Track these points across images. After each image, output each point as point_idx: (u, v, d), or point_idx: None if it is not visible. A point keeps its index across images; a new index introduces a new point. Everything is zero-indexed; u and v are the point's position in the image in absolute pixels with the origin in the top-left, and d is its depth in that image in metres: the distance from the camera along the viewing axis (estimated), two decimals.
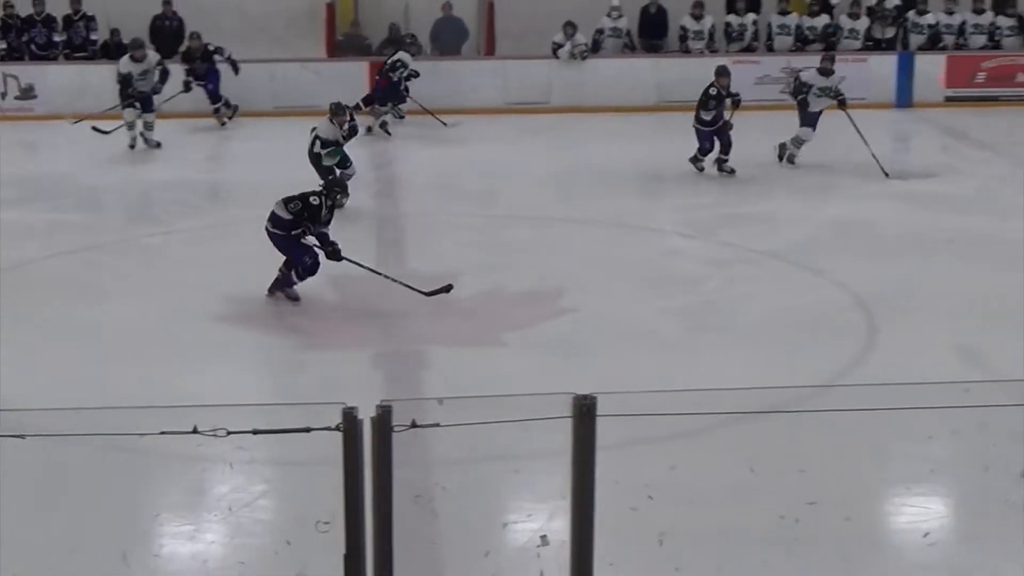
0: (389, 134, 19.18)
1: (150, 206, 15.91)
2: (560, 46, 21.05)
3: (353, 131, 14.63)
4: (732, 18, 21.92)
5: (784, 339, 10.69)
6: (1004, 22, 22.01)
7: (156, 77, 18.35)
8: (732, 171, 16.32)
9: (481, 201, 14.89)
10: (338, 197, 11.57)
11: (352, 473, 4.77)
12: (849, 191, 15.67)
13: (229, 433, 4.83)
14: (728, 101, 16.29)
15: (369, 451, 4.76)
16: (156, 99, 18.44)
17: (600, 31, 21.74)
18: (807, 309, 11.47)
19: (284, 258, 11.35)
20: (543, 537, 6.75)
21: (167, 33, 21.35)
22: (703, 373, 9.59)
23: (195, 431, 4.80)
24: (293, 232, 11.25)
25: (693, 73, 20.88)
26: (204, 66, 19.88)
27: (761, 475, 7.55)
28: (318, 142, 14.37)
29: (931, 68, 21.39)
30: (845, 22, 21.90)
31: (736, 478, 7.59)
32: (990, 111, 20.97)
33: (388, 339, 10.74)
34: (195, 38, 20.09)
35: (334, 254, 11.31)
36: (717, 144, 16.34)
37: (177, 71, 19.43)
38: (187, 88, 19.66)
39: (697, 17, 21.70)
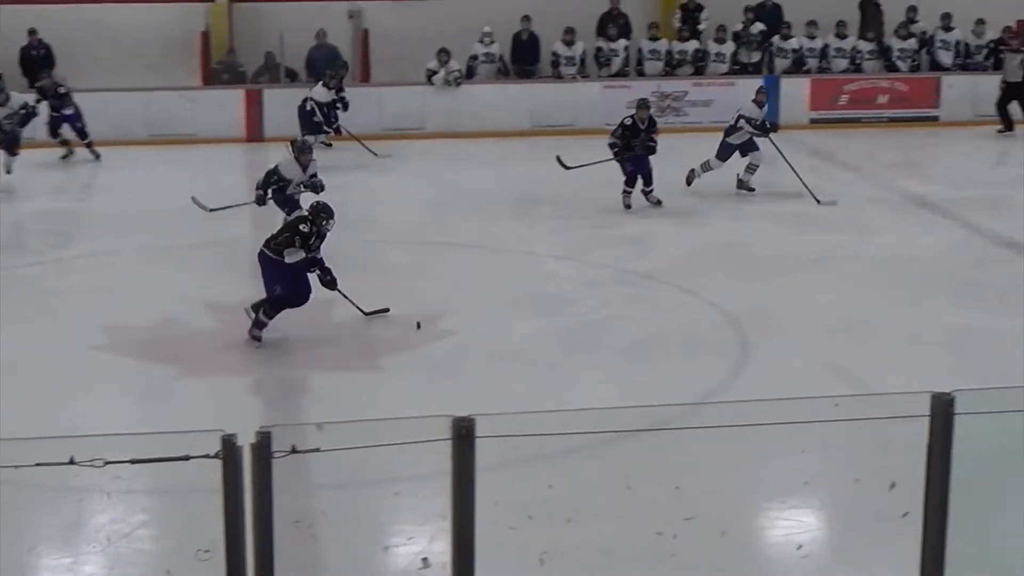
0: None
1: (22, 237, 15.69)
2: (434, 72, 21.13)
3: (317, 186, 13.52)
4: (603, 43, 22.14)
5: (658, 358, 10.85)
6: (865, 46, 22.48)
7: (17, 120, 17.97)
8: (659, 202, 16.02)
9: (358, 227, 14.88)
10: (324, 223, 11.11)
11: (232, 500, 4.77)
12: (720, 212, 15.92)
13: (107, 463, 4.79)
14: (641, 139, 15.82)
15: (249, 478, 4.77)
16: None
17: (474, 57, 21.86)
18: (680, 328, 11.64)
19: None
20: (424, 559, 6.79)
21: (37, 62, 21.05)
22: (580, 393, 9.71)
23: (72, 462, 4.76)
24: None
25: (565, 98, 21.18)
26: (61, 102, 19.43)
27: (638, 492, 7.64)
28: (275, 176, 13.52)
29: (796, 91, 21.78)
30: (712, 47, 22.24)
31: (614, 496, 7.67)
32: (852, 132, 21.39)
33: (266, 365, 10.72)
34: (46, 76, 19.71)
35: (331, 283, 11.18)
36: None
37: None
38: (53, 134, 19.33)
39: (568, 43, 21.89)
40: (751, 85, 21.32)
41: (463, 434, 4.83)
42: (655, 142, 15.82)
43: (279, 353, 10.92)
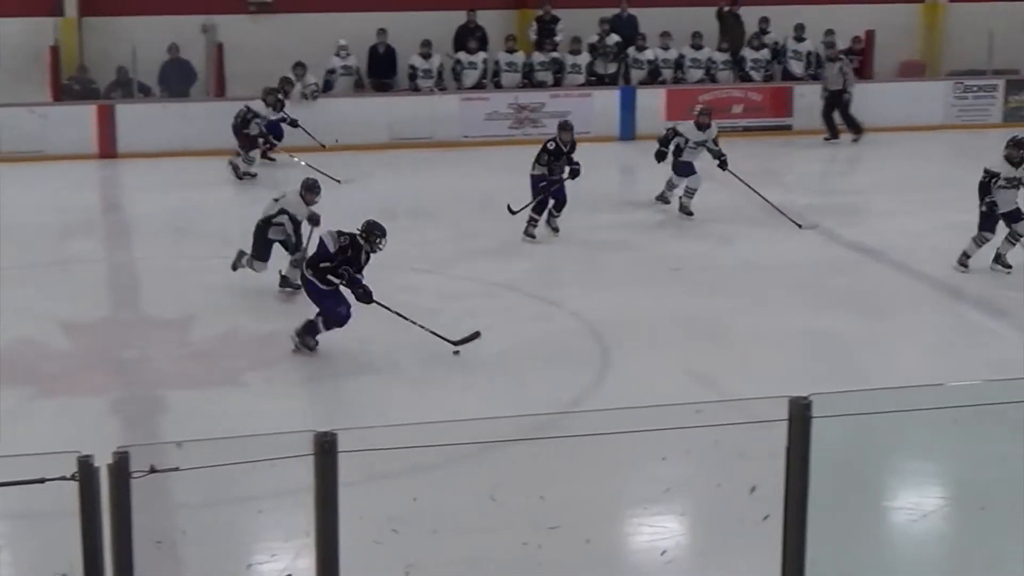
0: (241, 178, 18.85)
1: None
2: (289, 82, 20.95)
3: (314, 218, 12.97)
4: (462, 55, 22.16)
5: (522, 369, 10.88)
6: (719, 57, 22.77)
7: None
8: (556, 229, 15.42)
9: (218, 243, 14.71)
10: (377, 241, 11.18)
11: (89, 522, 4.70)
12: (581, 222, 15.97)
13: None
14: (562, 162, 15.20)
15: (107, 499, 4.69)
16: None
17: (331, 71, 21.73)
18: (543, 339, 11.69)
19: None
20: None
21: None
22: (443, 405, 9.70)
23: None
24: (328, 283, 11.00)
25: (423, 111, 21.15)
26: None
27: (503, 503, 7.65)
28: (285, 215, 12.85)
29: (652, 101, 21.96)
30: (568, 58, 22.37)
31: (478, 507, 7.67)
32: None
33: (124, 385, 10.56)
34: None
35: (365, 296, 11.05)
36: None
37: None
38: None
39: (425, 56, 21.85)
40: (607, 96, 21.60)
41: (325, 449, 4.81)
42: (579, 165, 15.22)
43: (136, 371, 10.77)
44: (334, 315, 11.08)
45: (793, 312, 12.53)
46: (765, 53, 22.76)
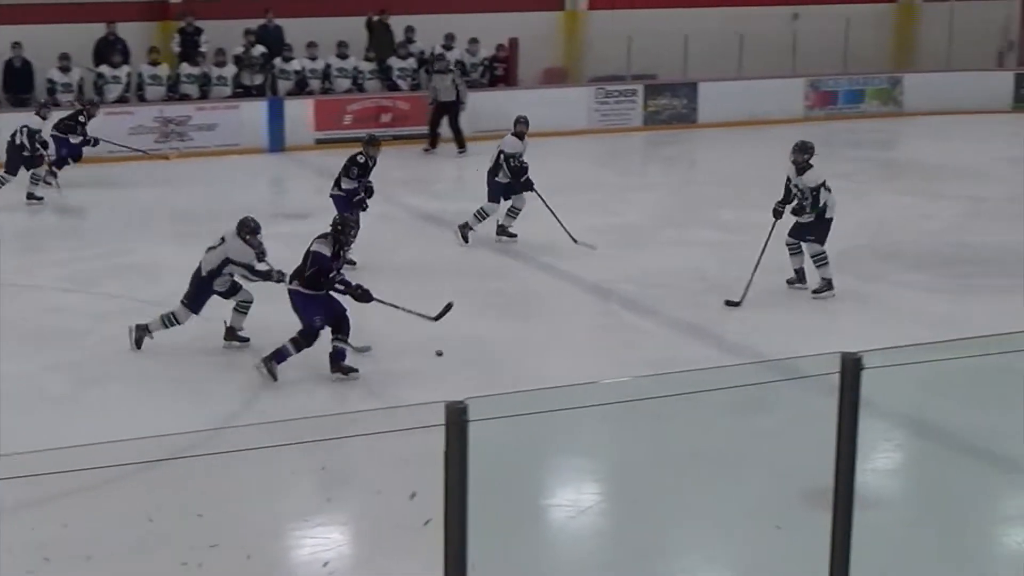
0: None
1: None
2: None
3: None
4: (104, 69, 21.57)
5: (177, 385, 10.67)
6: (366, 66, 22.85)
7: None
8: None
9: None
10: (351, 233, 11.32)
11: None
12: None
13: None
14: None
15: None
16: None
17: None
18: (198, 355, 11.47)
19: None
20: None
21: None
22: (93, 427, 9.38)
23: None
24: (317, 291, 10.86)
25: None
26: None
27: (160, 523, 7.50)
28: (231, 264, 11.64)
29: (300, 112, 21.89)
30: (214, 70, 22.06)
31: (135, 529, 7.49)
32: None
33: None
34: None
35: (365, 295, 11.01)
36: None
37: None
38: None
39: (64, 69, 21.20)
40: (254, 108, 21.39)
41: None
42: (372, 183, 14.93)
43: None
44: (312, 329, 10.88)
45: (454, 318, 12.64)
46: (412, 62, 22.95)
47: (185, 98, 21.67)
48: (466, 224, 15.49)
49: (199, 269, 11.56)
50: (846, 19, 25.77)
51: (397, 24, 23.37)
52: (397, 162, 20.54)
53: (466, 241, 15.41)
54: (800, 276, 13.26)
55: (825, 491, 5.19)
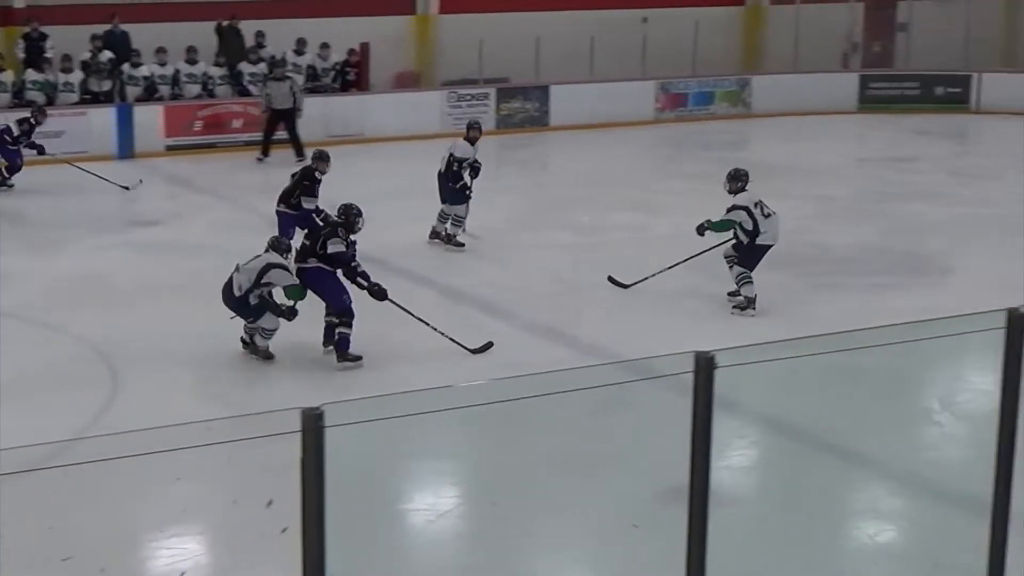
0: None
1: None
2: None
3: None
4: None
5: (25, 398, 10.45)
6: (216, 71, 22.62)
7: None
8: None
9: None
10: (357, 221, 11.56)
11: None
12: (81, 244, 15.54)
13: None
14: None
15: None
16: None
17: None
18: (48, 365, 11.28)
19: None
20: None
21: None
22: None
23: None
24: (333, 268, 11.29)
25: None
26: None
27: (9, 537, 7.34)
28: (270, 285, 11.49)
29: (150, 119, 21.56)
30: (60, 77, 21.67)
31: None
32: (209, 157, 21.40)
33: None
34: None
35: (380, 292, 11.42)
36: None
37: None
38: None
39: None
40: (103, 114, 21.06)
41: None
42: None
43: None
44: (343, 306, 11.28)
45: (303, 324, 12.58)
46: (262, 67, 22.75)
47: (31, 104, 21.24)
48: (450, 236, 15.46)
49: (229, 287, 11.43)
50: (695, 22, 26.10)
51: (247, 29, 23.16)
52: (249, 167, 20.43)
53: (462, 245, 15.39)
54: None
55: (682, 489, 5.24)
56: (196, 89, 22.53)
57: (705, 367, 5.13)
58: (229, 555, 7.77)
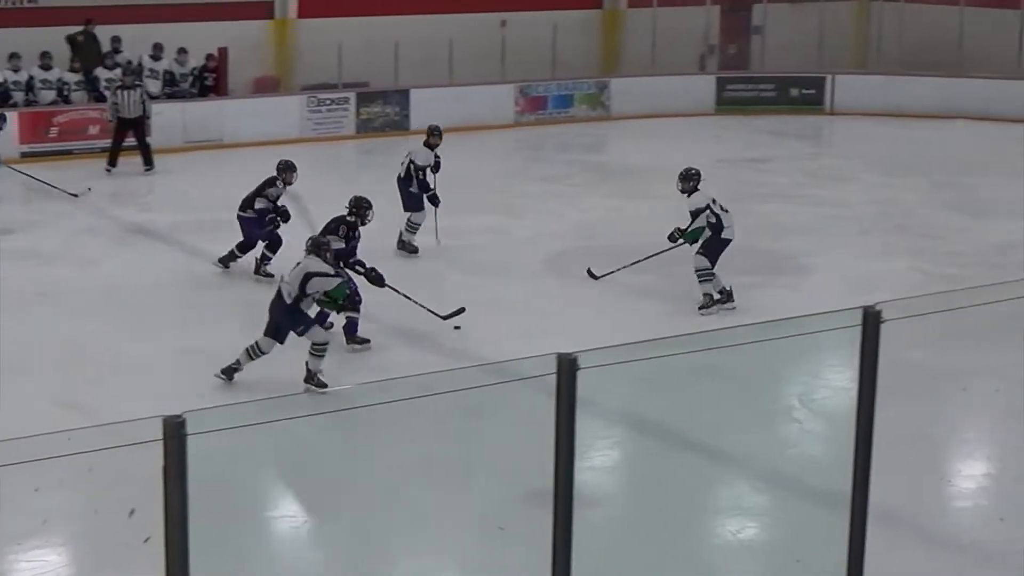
0: None
1: None
2: None
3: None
4: None
5: None
6: (72, 77, 22.25)
7: None
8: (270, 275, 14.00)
9: None
10: (367, 214, 12.28)
11: None
12: None
13: None
14: None
15: None
16: None
17: None
18: None
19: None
20: None
21: None
22: None
23: None
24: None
25: None
26: None
27: None
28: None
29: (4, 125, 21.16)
30: None
31: None
32: (65, 164, 21.01)
33: None
34: None
35: (378, 279, 11.87)
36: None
37: None
38: None
39: None
40: None
41: None
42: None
43: None
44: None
45: (164, 331, 12.45)
46: (119, 72, 22.41)
47: None
48: (406, 243, 15.39)
49: (280, 297, 11.07)
50: (553, 25, 26.22)
51: (104, 34, 22.82)
52: (105, 175, 20.11)
53: (416, 251, 15.33)
54: (727, 296, 13.28)
55: (547, 491, 5.27)
56: (51, 95, 22.14)
57: (568, 369, 5.17)
58: (91, 566, 7.68)
